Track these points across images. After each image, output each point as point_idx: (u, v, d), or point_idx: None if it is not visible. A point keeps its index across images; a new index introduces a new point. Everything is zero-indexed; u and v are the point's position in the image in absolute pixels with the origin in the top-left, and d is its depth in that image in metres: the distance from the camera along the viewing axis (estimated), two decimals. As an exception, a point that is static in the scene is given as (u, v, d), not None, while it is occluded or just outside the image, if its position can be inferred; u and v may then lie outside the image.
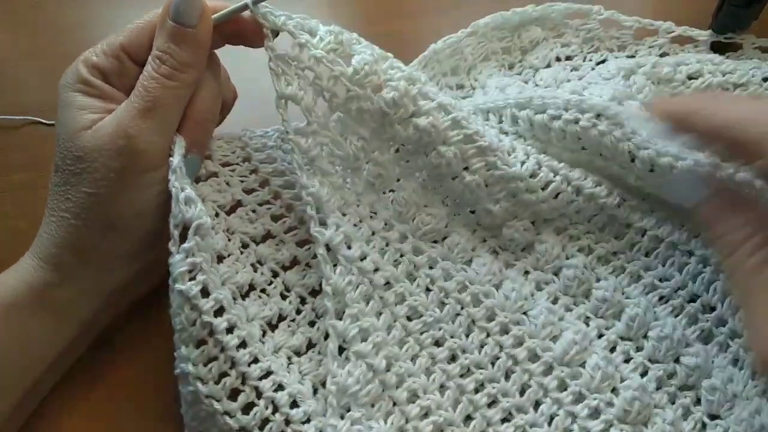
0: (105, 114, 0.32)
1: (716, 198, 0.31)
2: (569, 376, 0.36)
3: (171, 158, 0.33)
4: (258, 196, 0.39)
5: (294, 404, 0.33)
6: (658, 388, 0.36)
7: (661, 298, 0.38)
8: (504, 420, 0.36)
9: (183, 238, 0.32)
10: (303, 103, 0.34)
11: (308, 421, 0.33)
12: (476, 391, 0.36)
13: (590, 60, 0.48)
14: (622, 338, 0.37)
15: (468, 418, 0.35)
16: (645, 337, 0.37)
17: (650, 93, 0.41)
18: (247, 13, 0.34)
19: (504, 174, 0.37)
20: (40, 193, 0.34)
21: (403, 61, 0.37)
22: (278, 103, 0.34)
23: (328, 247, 0.34)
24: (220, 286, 0.34)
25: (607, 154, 0.38)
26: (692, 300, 0.38)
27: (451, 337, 0.36)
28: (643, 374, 0.36)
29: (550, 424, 0.35)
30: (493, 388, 0.36)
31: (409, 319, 0.36)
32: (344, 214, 0.36)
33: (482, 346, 0.37)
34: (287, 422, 0.33)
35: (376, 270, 0.36)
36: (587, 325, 0.38)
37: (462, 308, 0.37)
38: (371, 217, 0.37)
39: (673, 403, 0.36)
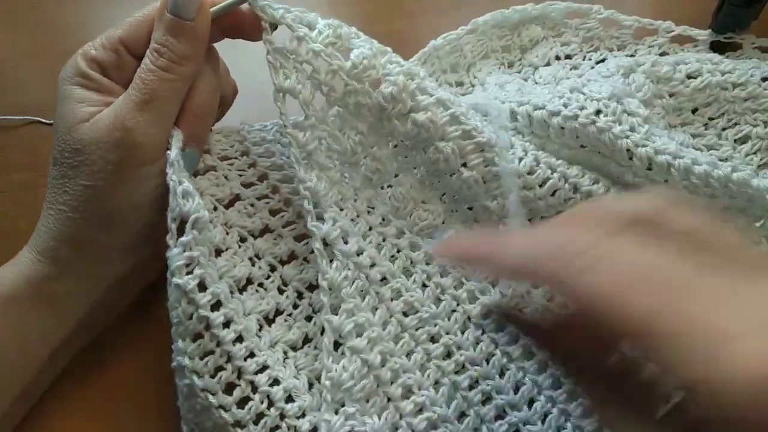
0: (103, 107, 0.32)
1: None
2: (564, 374, 0.36)
3: (168, 151, 0.33)
4: (256, 191, 0.38)
5: (289, 399, 0.33)
6: (653, 387, 0.36)
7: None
8: (498, 417, 0.36)
9: (181, 231, 0.32)
10: (301, 96, 0.34)
11: (303, 415, 0.33)
12: (470, 387, 0.36)
13: (590, 59, 0.48)
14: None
15: (462, 415, 0.35)
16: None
17: (649, 91, 0.41)
18: (245, 6, 0.34)
19: (501, 171, 0.37)
20: (40, 193, 0.34)
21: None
22: (276, 96, 0.34)
23: (324, 242, 0.34)
24: (218, 280, 0.34)
25: (605, 152, 0.38)
26: (688, 299, 0.38)
27: (447, 333, 0.36)
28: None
29: (543, 421, 0.36)
30: (488, 385, 0.36)
31: (404, 314, 0.36)
32: (341, 209, 0.35)
33: (477, 343, 0.37)
34: (282, 417, 0.33)
35: (373, 265, 0.36)
36: (583, 323, 0.38)
37: (458, 305, 0.37)
38: (368, 212, 0.37)
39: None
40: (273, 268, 0.37)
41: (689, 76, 0.43)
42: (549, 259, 0.23)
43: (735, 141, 0.43)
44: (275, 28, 0.34)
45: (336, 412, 0.33)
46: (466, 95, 0.46)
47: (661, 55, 0.47)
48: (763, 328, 0.20)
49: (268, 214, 0.38)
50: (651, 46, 0.48)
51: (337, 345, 0.34)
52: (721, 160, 0.41)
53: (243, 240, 0.37)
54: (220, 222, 0.36)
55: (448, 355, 0.36)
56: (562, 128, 0.38)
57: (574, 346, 0.28)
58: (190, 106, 0.34)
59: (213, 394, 0.32)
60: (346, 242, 0.35)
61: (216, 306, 0.32)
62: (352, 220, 0.36)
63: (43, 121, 0.47)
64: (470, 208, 0.39)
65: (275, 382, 0.33)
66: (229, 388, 0.33)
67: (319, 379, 0.34)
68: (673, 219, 0.23)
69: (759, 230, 0.40)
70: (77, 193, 0.32)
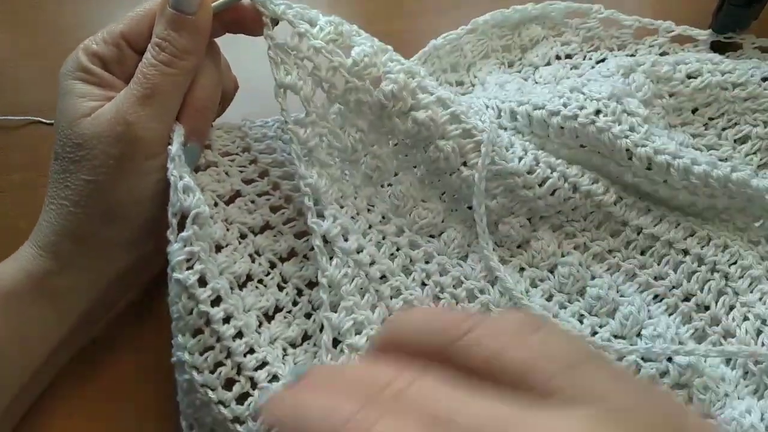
0: (104, 101, 0.32)
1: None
2: None
3: (170, 146, 0.33)
4: (257, 187, 0.38)
5: None
6: (651, 387, 0.36)
7: (655, 296, 0.38)
8: None
9: (181, 226, 0.32)
10: (302, 92, 0.33)
11: None
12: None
13: (590, 59, 0.48)
14: (615, 336, 0.37)
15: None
16: (638, 335, 0.37)
17: (649, 91, 0.41)
18: (246, 1, 0.34)
19: (501, 169, 0.37)
20: (40, 193, 0.34)
21: (403, 61, 0.37)
22: (277, 92, 0.34)
23: (325, 239, 0.34)
24: (218, 275, 0.34)
25: (604, 151, 0.38)
26: (686, 299, 0.38)
27: None
28: (636, 373, 0.36)
29: (542, 420, 0.36)
30: (486, 383, 0.36)
31: None
32: (342, 207, 0.35)
33: None
34: None
35: (372, 263, 0.36)
36: (581, 322, 0.38)
37: (457, 303, 0.37)
38: (368, 210, 0.37)
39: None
40: (273, 265, 0.37)
41: (689, 76, 0.43)
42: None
43: (735, 141, 0.43)
44: (276, 24, 0.34)
45: None
46: (466, 95, 0.46)
47: (661, 54, 0.47)
48: None
49: (269, 210, 0.38)
50: (651, 45, 0.48)
51: (336, 342, 0.34)
52: (720, 160, 0.41)
53: (243, 236, 0.37)
54: (220, 218, 0.36)
55: None
56: (562, 128, 0.38)
57: None
58: (192, 100, 0.34)
59: (212, 390, 0.32)
60: (346, 240, 0.35)
61: (216, 301, 0.32)
62: (352, 217, 0.36)
63: (44, 121, 0.47)
64: (470, 208, 0.39)
65: (274, 378, 0.33)
66: (229, 384, 0.33)
67: None
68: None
69: (758, 230, 0.40)
70: (79, 187, 0.32)
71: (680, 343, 0.37)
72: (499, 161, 0.37)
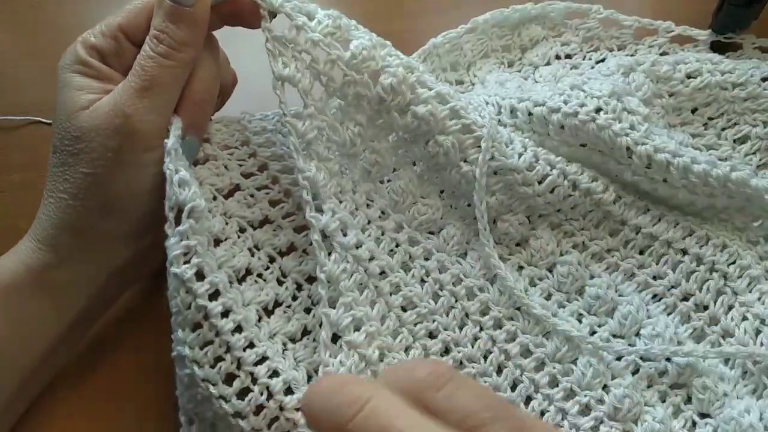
0: (103, 94, 0.32)
1: None
2: (561, 372, 0.36)
3: (166, 140, 0.32)
4: (256, 181, 0.38)
5: (288, 391, 0.33)
6: (649, 386, 0.36)
7: (654, 296, 0.38)
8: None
9: (179, 220, 0.31)
10: (300, 85, 0.33)
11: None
12: (467, 385, 0.36)
13: (590, 59, 0.48)
14: (614, 335, 0.37)
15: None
16: (637, 335, 0.37)
17: (649, 91, 0.41)
18: None
19: (501, 165, 0.37)
20: (40, 193, 0.34)
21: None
22: (275, 84, 0.33)
23: (323, 234, 0.34)
24: (217, 269, 0.33)
25: (604, 149, 0.38)
26: (685, 298, 0.38)
27: (445, 329, 0.36)
28: (635, 372, 0.36)
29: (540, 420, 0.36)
30: (485, 382, 0.36)
31: (403, 309, 0.36)
32: (340, 201, 0.35)
33: (475, 340, 0.37)
34: (281, 408, 0.32)
35: (372, 259, 0.35)
36: (580, 322, 0.38)
37: (456, 301, 0.37)
38: (367, 205, 0.37)
39: (664, 401, 0.36)
40: (272, 260, 0.37)
41: (689, 76, 0.43)
42: None
43: (734, 141, 0.43)
44: (274, 17, 0.34)
45: None
46: (465, 93, 0.46)
47: (661, 55, 0.47)
48: None
49: (268, 204, 0.38)
50: (651, 46, 0.48)
51: (335, 338, 0.34)
52: (720, 159, 0.41)
53: (242, 230, 0.37)
54: (219, 212, 0.36)
55: (446, 351, 0.36)
56: (562, 125, 0.38)
57: None
58: (190, 93, 0.34)
59: (213, 385, 0.32)
60: (345, 234, 0.34)
61: (214, 295, 0.32)
62: (351, 212, 0.36)
63: (44, 120, 0.47)
64: (468, 205, 0.39)
65: (275, 373, 0.33)
66: (229, 379, 0.32)
67: (317, 371, 0.34)
68: None
69: (757, 230, 0.40)
70: (77, 180, 0.32)
71: (679, 342, 0.37)
72: (499, 157, 0.37)
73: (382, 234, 0.37)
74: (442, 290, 0.37)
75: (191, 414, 0.34)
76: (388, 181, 0.38)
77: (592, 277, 0.39)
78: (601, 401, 0.36)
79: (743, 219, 0.40)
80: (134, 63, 0.32)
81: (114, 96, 0.32)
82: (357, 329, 0.33)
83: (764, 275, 0.38)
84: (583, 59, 0.48)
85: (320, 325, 0.34)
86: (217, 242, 0.35)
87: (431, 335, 0.36)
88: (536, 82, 0.46)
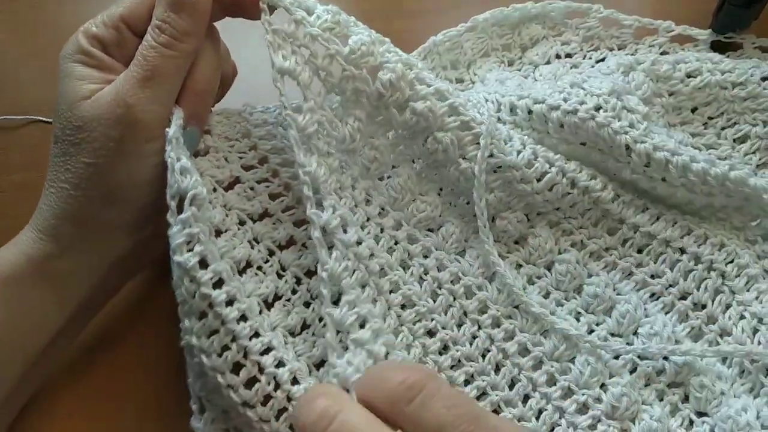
0: (104, 84, 0.32)
1: None
2: (559, 371, 0.37)
3: (167, 129, 0.32)
4: (256, 174, 0.38)
5: (295, 381, 0.32)
6: (646, 385, 0.36)
7: (652, 294, 0.38)
8: (492, 413, 0.36)
9: (180, 210, 0.31)
10: (300, 78, 0.33)
11: None
12: (466, 383, 0.36)
13: (590, 58, 0.48)
14: (612, 334, 0.38)
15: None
16: (635, 333, 0.37)
17: (649, 90, 0.41)
18: None
19: (499, 162, 0.37)
20: (39, 193, 0.34)
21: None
22: (275, 77, 0.33)
23: (323, 230, 0.33)
24: (219, 258, 0.33)
25: (603, 147, 0.38)
26: (683, 297, 0.38)
27: (443, 328, 0.37)
28: (632, 371, 0.37)
29: (537, 418, 0.36)
30: (483, 381, 0.36)
31: (402, 307, 0.36)
32: (340, 198, 0.35)
33: (474, 339, 0.37)
34: (289, 399, 0.32)
35: (371, 256, 0.35)
36: (578, 320, 0.38)
37: (454, 299, 0.37)
38: (366, 202, 0.37)
39: (662, 400, 0.36)
40: (271, 253, 0.37)
41: (689, 75, 0.43)
42: None
43: (734, 140, 0.43)
44: (274, 10, 0.34)
45: None
46: (465, 91, 0.46)
47: (661, 54, 0.47)
48: None
49: (268, 198, 0.38)
50: (651, 45, 0.48)
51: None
52: (719, 159, 0.41)
53: (242, 223, 0.37)
54: (219, 203, 0.36)
55: (445, 349, 0.37)
56: (562, 123, 0.38)
57: None
58: (192, 83, 0.34)
59: (221, 374, 0.31)
60: (345, 231, 0.34)
61: (218, 284, 0.32)
62: (350, 209, 0.35)
63: (44, 120, 0.47)
64: (468, 202, 0.39)
65: (280, 363, 0.32)
66: (237, 368, 0.32)
67: (317, 366, 0.34)
68: None
69: (755, 229, 0.40)
70: (79, 170, 0.32)
71: (677, 341, 0.37)
72: (498, 154, 0.37)
73: (381, 231, 0.37)
74: (440, 289, 0.37)
75: (204, 401, 0.33)
76: (388, 177, 0.38)
77: (590, 276, 0.39)
78: (598, 400, 0.36)
79: (741, 218, 0.40)
80: (136, 53, 0.33)
81: (116, 86, 0.32)
82: (362, 326, 0.32)
83: (762, 274, 0.38)
84: (584, 58, 0.48)
85: (320, 320, 0.34)
86: (218, 233, 0.35)
87: (430, 334, 0.36)
88: (536, 80, 0.46)
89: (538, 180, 0.38)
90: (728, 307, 0.38)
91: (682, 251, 0.38)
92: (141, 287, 0.40)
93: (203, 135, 0.37)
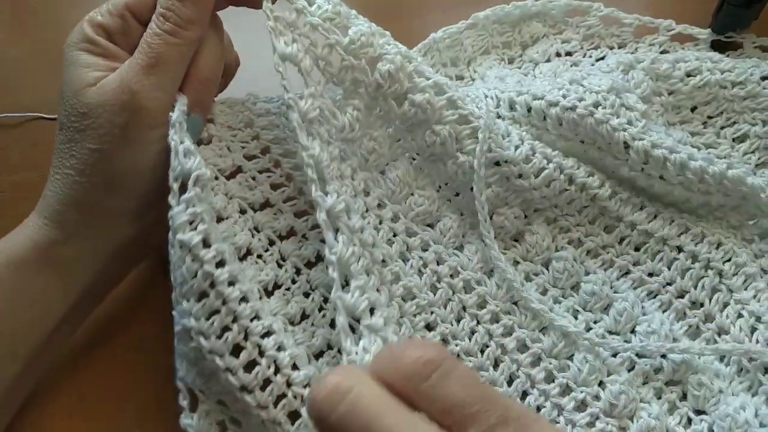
0: (109, 72, 0.33)
1: None
2: (557, 368, 0.37)
3: (171, 113, 0.33)
4: (258, 163, 0.38)
5: (295, 367, 0.32)
6: (644, 383, 0.36)
7: (649, 293, 0.39)
8: (505, 396, 0.35)
9: (183, 191, 0.31)
10: (302, 64, 0.33)
11: (308, 385, 0.32)
12: (464, 378, 0.36)
13: (590, 56, 0.48)
14: (609, 332, 0.38)
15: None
16: (632, 331, 0.37)
17: (648, 88, 0.41)
18: None
19: (497, 157, 0.37)
20: (39, 193, 0.34)
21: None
22: (277, 62, 0.33)
23: (328, 214, 0.32)
24: (221, 240, 0.32)
25: (602, 144, 0.38)
26: (680, 296, 0.38)
27: (443, 322, 0.37)
28: (630, 369, 0.37)
29: (536, 414, 0.36)
30: (482, 376, 0.36)
31: (403, 299, 0.36)
32: (341, 185, 0.34)
33: (472, 333, 0.37)
34: (288, 384, 0.31)
35: (374, 245, 0.35)
36: (575, 318, 0.38)
37: (453, 293, 0.37)
38: (365, 193, 0.37)
39: (659, 397, 0.36)
40: (272, 243, 0.37)
41: (688, 74, 0.43)
42: None
43: (733, 140, 0.43)
44: (275, 0, 0.34)
45: None
46: (465, 88, 0.46)
47: (661, 53, 0.47)
48: None
49: (269, 187, 0.38)
50: (651, 44, 0.48)
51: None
52: (718, 158, 0.41)
53: (243, 212, 0.37)
54: (221, 191, 0.36)
55: (444, 343, 0.37)
56: (560, 119, 0.38)
57: None
58: (195, 72, 0.34)
59: (220, 356, 0.31)
60: (349, 218, 0.33)
61: (220, 264, 0.31)
62: (351, 197, 0.35)
63: (45, 116, 0.47)
64: (464, 198, 0.39)
65: (281, 347, 0.32)
66: (236, 351, 0.31)
67: (317, 356, 0.34)
68: None
69: (752, 228, 0.40)
70: (84, 156, 0.32)
71: (674, 339, 0.37)
72: (495, 149, 0.37)
73: (380, 223, 0.37)
74: (439, 282, 0.37)
75: (198, 392, 0.32)
76: (384, 172, 0.38)
77: (587, 274, 0.39)
78: (597, 397, 0.36)
79: (738, 217, 0.40)
80: (141, 41, 0.33)
81: (120, 73, 0.32)
82: (372, 313, 0.30)
83: (760, 273, 0.38)
84: (584, 57, 0.48)
85: (320, 310, 0.34)
86: (219, 220, 0.35)
87: (429, 327, 0.37)
88: (536, 78, 0.46)
89: (536, 176, 0.38)
90: (726, 305, 0.38)
91: (680, 249, 0.39)
92: (141, 287, 0.40)
93: (206, 124, 0.37)
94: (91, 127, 0.32)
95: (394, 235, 0.37)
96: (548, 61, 0.48)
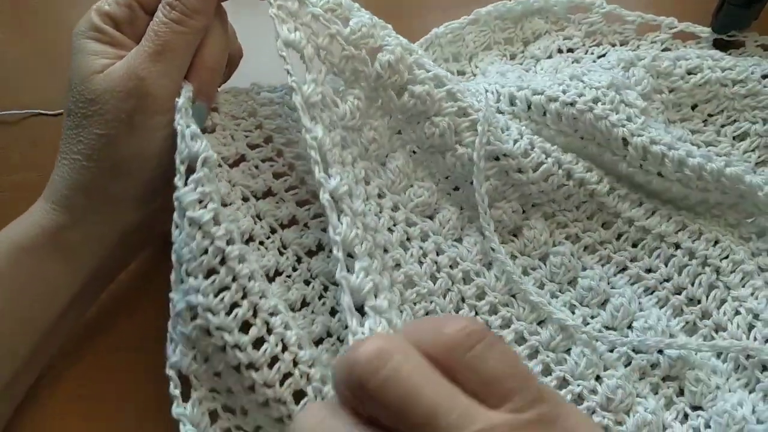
0: (116, 60, 0.33)
1: None
2: (554, 361, 0.37)
3: (177, 99, 0.33)
4: (261, 152, 0.39)
5: (300, 348, 0.32)
6: (641, 378, 0.37)
7: (646, 289, 0.39)
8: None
9: (189, 174, 0.32)
10: (305, 51, 0.33)
11: (313, 365, 0.32)
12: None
13: (592, 53, 0.48)
14: (606, 327, 0.38)
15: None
16: (629, 327, 0.38)
17: (648, 86, 0.41)
18: None
19: (496, 150, 0.37)
20: (39, 193, 0.35)
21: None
22: (280, 48, 0.33)
23: (331, 197, 0.32)
24: (229, 221, 0.33)
25: (600, 140, 0.38)
26: (678, 292, 0.38)
27: (442, 311, 0.37)
28: (627, 364, 0.37)
29: (532, 408, 0.36)
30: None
31: (404, 287, 0.36)
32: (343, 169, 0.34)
33: None
34: (295, 363, 0.32)
35: (376, 230, 0.35)
36: (573, 312, 0.38)
37: (453, 284, 0.37)
38: (366, 182, 0.37)
39: (656, 393, 0.36)
40: (273, 230, 0.37)
41: (689, 72, 0.43)
42: None
43: (734, 138, 0.43)
44: None
45: None
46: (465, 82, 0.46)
47: (663, 51, 0.47)
48: None
49: (272, 176, 0.38)
50: (653, 41, 0.48)
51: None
52: (718, 156, 0.41)
53: (245, 200, 0.37)
54: (224, 178, 0.37)
55: None
56: (560, 114, 0.38)
57: None
58: (200, 60, 0.35)
59: (228, 332, 0.30)
60: (352, 201, 0.33)
61: (230, 242, 0.31)
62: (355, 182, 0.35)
63: (45, 112, 0.47)
64: (463, 192, 0.39)
65: (287, 326, 0.32)
66: (245, 328, 0.31)
67: (316, 343, 0.34)
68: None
69: (750, 227, 0.40)
70: (91, 141, 0.33)
71: (671, 335, 0.37)
72: (494, 142, 0.37)
73: (381, 211, 0.37)
74: (439, 272, 0.37)
75: (192, 379, 0.32)
76: (384, 164, 0.38)
77: (584, 269, 0.39)
78: (593, 391, 0.36)
79: (736, 215, 0.40)
80: (148, 29, 0.34)
81: (128, 60, 0.33)
82: (377, 295, 0.30)
83: (757, 271, 0.38)
84: (585, 53, 0.48)
85: (320, 298, 0.34)
86: (223, 205, 0.35)
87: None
88: (537, 74, 0.46)
89: (534, 170, 0.38)
90: (723, 302, 0.38)
91: (677, 246, 0.39)
92: (141, 288, 0.40)
93: (210, 113, 0.37)
94: (98, 113, 0.33)
95: (394, 224, 0.37)
96: (550, 57, 0.48)
